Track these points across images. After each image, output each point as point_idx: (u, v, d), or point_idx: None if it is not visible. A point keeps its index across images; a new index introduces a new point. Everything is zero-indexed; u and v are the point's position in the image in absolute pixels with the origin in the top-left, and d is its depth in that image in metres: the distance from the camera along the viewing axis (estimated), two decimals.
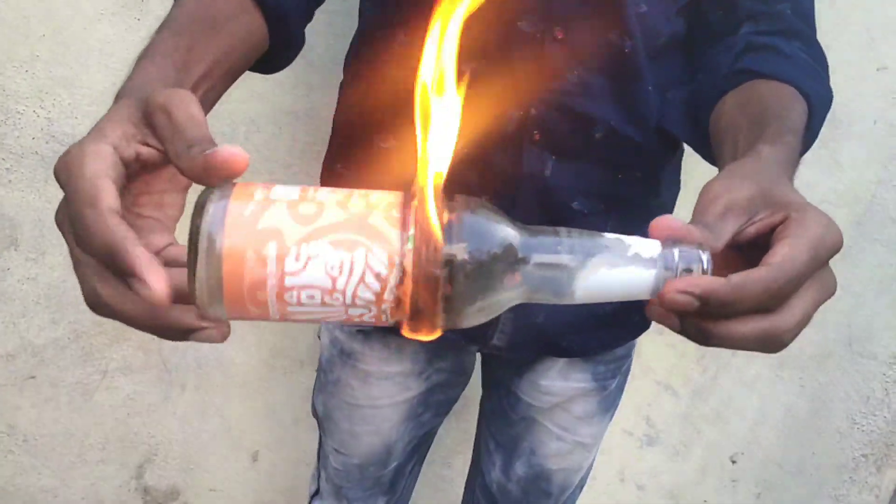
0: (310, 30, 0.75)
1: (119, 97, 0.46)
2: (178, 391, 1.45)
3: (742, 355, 1.54)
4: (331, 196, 0.40)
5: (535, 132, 0.75)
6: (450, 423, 1.50)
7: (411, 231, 0.38)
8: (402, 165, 0.74)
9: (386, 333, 0.91)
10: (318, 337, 0.99)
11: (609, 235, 0.43)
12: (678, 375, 1.56)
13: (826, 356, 1.55)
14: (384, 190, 0.41)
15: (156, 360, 1.42)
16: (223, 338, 0.42)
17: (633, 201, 0.81)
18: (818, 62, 0.71)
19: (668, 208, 0.89)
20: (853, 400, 1.59)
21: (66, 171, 0.40)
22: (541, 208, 0.79)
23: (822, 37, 1.18)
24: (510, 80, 0.74)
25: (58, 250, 1.28)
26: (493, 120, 0.75)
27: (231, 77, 0.60)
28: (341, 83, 0.88)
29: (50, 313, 1.34)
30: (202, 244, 0.38)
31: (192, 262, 0.38)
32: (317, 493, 1.08)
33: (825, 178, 1.40)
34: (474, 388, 1.09)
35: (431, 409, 1.00)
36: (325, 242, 0.38)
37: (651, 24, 0.74)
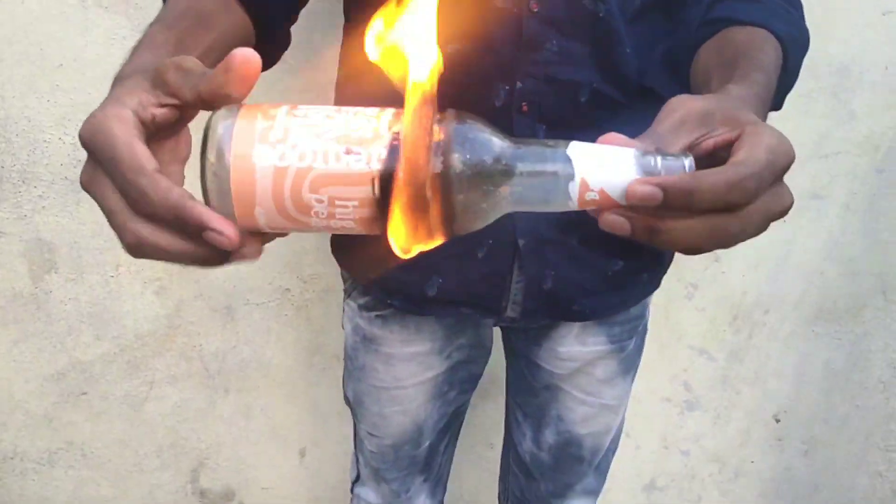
0: (314, 27, 0.77)
1: (117, 80, 0.49)
2: (222, 395, 1.50)
3: (775, 314, 1.54)
4: (327, 109, 0.44)
5: (523, 103, 0.77)
6: (486, 404, 1.53)
7: (404, 127, 0.41)
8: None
9: (403, 316, 0.93)
10: (342, 326, 1.02)
11: (594, 145, 0.45)
12: (712, 339, 1.57)
13: (860, 307, 1.54)
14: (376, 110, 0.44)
15: (198, 367, 1.47)
16: (258, 255, 0.45)
17: None
18: (791, 4, 0.72)
19: None
20: (893, 349, 1.57)
21: (94, 136, 0.43)
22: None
23: None
24: (493, 56, 0.76)
25: (95, 269, 1.34)
26: (481, 95, 0.77)
27: None
28: (336, 82, 0.91)
29: (94, 330, 1.40)
30: (210, 157, 0.42)
31: (204, 184, 0.42)
32: (357, 478, 1.11)
33: (840, 128, 1.39)
34: (504, 367, 1.12)
35: (456, 386, 1.02)
36: (326, 140, 0.41)
37: None
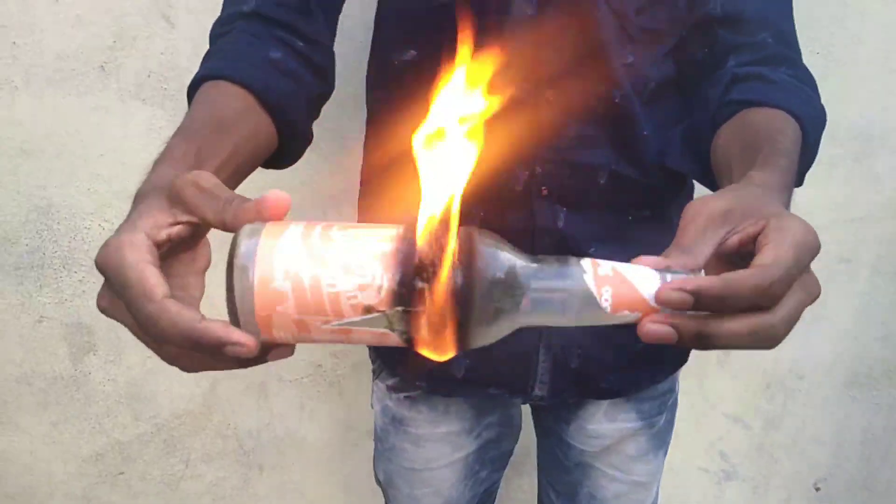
0: (342, 113, 0.80)
1: (138, 195, 0.52)
2: (256, 473, 1.51)
3: (809, 380, 1.52)
4: (344, 229, 0.45)
5: (543, 188, 0.80)
6: (521, 479, 1.52)
7: (422, 251, 0.42)
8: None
9: (431, 396, 0.95)
10: (371, 406, 1.03)
11: (609, 262, 0.47)
12: (746, 406, 1.55)
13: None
14: (394, 224, 0.46)
15: (233, 445, 1.48)
16: (291, 352, 0.47)
17: (647, 241, 0.84)
18: (806, 83, 0.73)
19: None
20: None
21: (107, 262, 0.45)
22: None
23: (839, 55, 1.21)
24: (512, 143, 0.79)
25: (133, 350, 1.37)
26: (501, 182, 0.80)
27: (240, 173, 0.65)
28: (362, 166, 0.94)
29: (131, 410, 1.42)
30: (237, 275, 0.43)
31: (230, 293, 0.43)
32: None
33: (865, 192, 1.40)
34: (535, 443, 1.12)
35: (487, 465, 1.02)
36: (339, 268, 0.43)
37: (639, 72, 0.78)
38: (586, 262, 0.46)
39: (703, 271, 0.46)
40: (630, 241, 0.83)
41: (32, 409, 1.39)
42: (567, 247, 0.82)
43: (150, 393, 1.42)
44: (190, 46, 1.21)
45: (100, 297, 0.48)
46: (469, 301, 0.43)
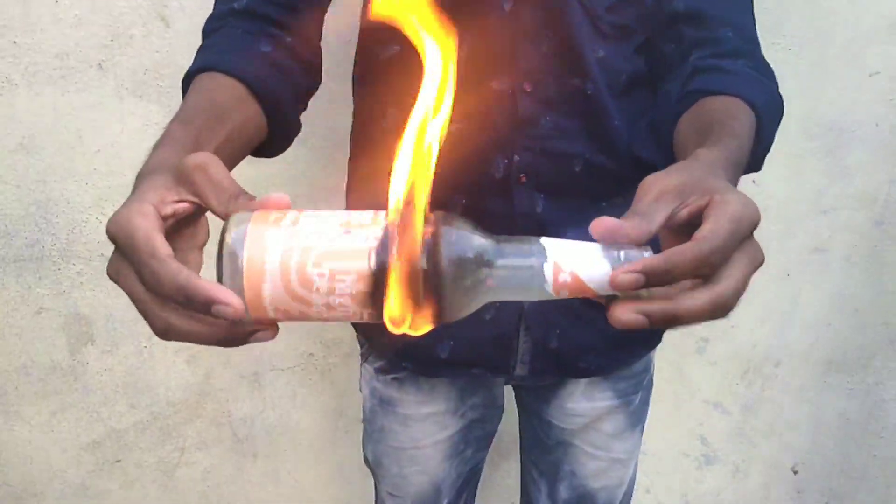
0: (333, 107, 0.84)
1: (140, 176, 0.55)
2: (250, 460, 1.55)
3: (785, 367, 1.57)
4: (324, 217, 0.49)
5: (521, 175, 0.84)
6: (509, 463, 1.57)
7: (394, 235, 0.46)
8: None
9: (417, 378, 0.99)
10: (360, 390, 1.08)
11: (565, 242, 0.51)
12: (725, 393, 1.60)
13: (870, 357, 1.57)
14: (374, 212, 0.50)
15: (227, 433, 1.53)
16: (273, 335, 0.51)
17: None
18: (764, 74, 0.77)
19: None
20: None
21: (118, 229, 0.49)
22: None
23: (810, 52, 1.24)
24: (491, 132, 0.83)
25: (129, 341, 1.41)
26: (481, 170, 0.84)
27: (235, 159, 0.69)
28: (348, 159, 0.99)
29: (128, 399, 1.46)
30: (226, 259, 0.47)
31: (219, 275, 0.47)
32: None
33: (837, 184, 1.45)
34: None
35: (472, 444, 1.07)
36: (320, 254, 0.47)
37: (610, 66, 0.83)
38: (548, 266, 0.50)
39: (650, 251, 0.50)
40: None
41: (31, 399, 1.43)
42: (545, 232, 0.86)
43: (146, 382, 1.46)
44: (185, 45, 1.25)
45: (109, 264, 0.51)
46: (439, 280, 0.47)
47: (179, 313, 0.49)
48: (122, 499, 1.54)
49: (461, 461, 1.07)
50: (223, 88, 0.71)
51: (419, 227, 0.46)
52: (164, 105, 1.28)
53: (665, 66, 0.84)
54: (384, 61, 0.86)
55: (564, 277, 0.50)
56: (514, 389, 1.11)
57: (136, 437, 1.50)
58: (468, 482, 1.11)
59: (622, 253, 0.50)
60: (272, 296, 0.48)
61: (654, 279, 0.48)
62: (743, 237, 0.50)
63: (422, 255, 0.46)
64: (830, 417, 1.62)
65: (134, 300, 0.50)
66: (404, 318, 0.48)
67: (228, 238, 0.48)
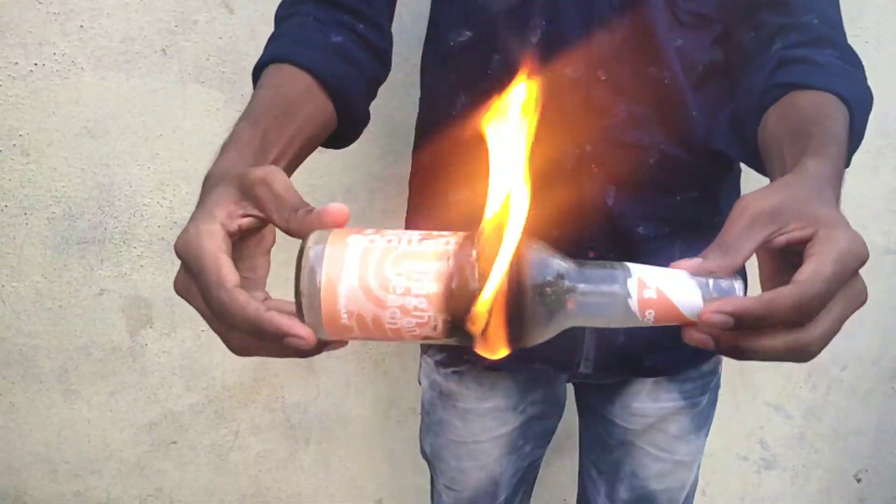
0: (391, 97, 0.83)
1: (208, 179, 0.55)
2: (302, 446, 1.56)
3: (852, 371, 1.52)
4: (407, 235, 0.48)
5: (593, 165, 0.82)
6: (562, 459, 1.55)
7: (476, 259, 0.45)
8: (474, 214, 0.82)
9: (479, 372, 0.97)
10: (419, 381, 1.06)
11: (655, 269, 0.49)
12: (788, 396, 1.55)
13: None
14: (452, 231, 0.49)
15: (281, 418, 1.53)
16: (345, 344, 0.50)
17: (694, 221, 0.86)
18: (852, 65, 0.73)
19: None
20: None
21: (187, 249, 0.49)
22: (608, 236, 0.84)
23: (888, 46, 1.19)
24: (563, 122, 0.81)
25: (187, 324, 1.42)
26: (552, 160, 0.82)
27: (303, 154, 0.69)
28: (413, 147, 0.97)
29: (185, 381, 1.47)
30: (305, 281, 0.46)
31: (298, 296, 0.46)
32: None
33: None
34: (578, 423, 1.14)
35: (531, 441, 1.05)
36: (404, 270, 0.46)
37: (688, 55, 0.80)
38: (632, 282, 0.48)
39: (741, 283, 0.48)
40: (677, 220, 0.85)
41: (91, 379, 1.45)
42: (615, 225, 0.84)
43: (203, 366, 1.47)
44: (247, 31, 1.25)
45: (176, 280, 0.51)
46: (521, 309, 0.46)
47: (250, 336, 0.49)
48: (176, 479, 1.56)
49: (519, 457, 1.05)
50: (293, 81, 0.70)
51: (507, 250, 0.44)
52: (225, 91, 1.29)
53: (744, 55, 0.80)
54: (455, 47, 0.85)
55: (650, 294, 0.47)
56: (575, 388, 1.09)
57: (192, 420, 1.51)
58: (525, 478, 1.10)
59: (710, 280, 0.48)
60: (348, 302, 0.47)
61: (745, 323, 0.45)
62: (847, 280, 0.47)
63: (504, 288, 0.45)
64: None
65: (205, 319, 0.50)
66: (485, 348, 0.46)
67: (307, 256, 0.47)
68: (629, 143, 0.81)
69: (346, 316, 0.47)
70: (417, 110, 0.98)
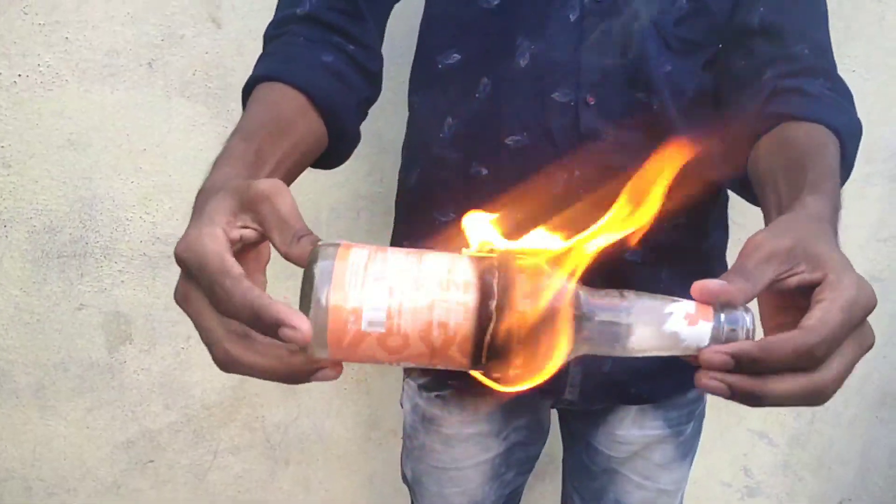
0: (380, 116, 0.82)
1: (201, 193, 0.53)
2: (282, 467, 1.54)
3: (837, 399, 1.51)
4: (423, 254, 0.47)
5: (580, 190, 0.81)
6: (544, 485, 1.53)
7: (494, 288, 0.45)
8: (462, 237, 0.81)
9: (462, 397, 0.96)
10: (401, 405, 1.05)
11: (665, 299, 0.49)
12: (773, 423, 1.55)
13: None
14: (461, 255, 0.48)
15: (260, 438, 1.51)
16: (338, 375, 0.49)
17: (682, 247, 0.86)
18: (842, 96, 0.74)
19: (719, 252, 0.92)
20: None
21: (188, 251, 0.47)
22: (596, 262, 0.83)
23: (875, 74, 1.20)
24: (552, 146, 0.80)
25: (167, 342, 1.40)
26: (539, 184, 0.81)
27: (295, 171, 0.67)
28: (400, 167, 0.96)
29: (163, 399, 1.45)
30: (313, 298, 0.45)
31: (305, 306, 0.45)
32: None
33: None
34: (561, 448, 1.13)
35: (513, 468, 1.03)
36: (413, 298, 0.45)
37: (677, 81, 0.79)
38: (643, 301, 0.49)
39: (752, 316, 0.48)
40: (665, 246, 0.84)
41: (68, 395, 1.42)
42: (603, 250, 0.83)
43: (182, 384, 1.44)
44: (234, 47, 1.24)
45: (176, 290, 0.49)
46: (544, 338, 0.46)
47: (244, 345, 0.47)
48: (153, 499, 1.53)
49: (501, 484, 1.04)
50: (285, 100, 0.69)
51: (528, 279, 0.45)
52: (211, 107, 1.27)
53: (735, 82, 0.80)
54: (444, 70, 0.84)
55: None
56: (559, 414, 1.08)
57: (170, 438, 1.49)
58: None
59: (723, 314, 0.48)
60: (355, 326, 0.45)
61: (744, 366, 0.46)
62: (854, 326, 0.47)
63: (522, 307, 0.45)
64: (882, 453, 1.56)
65: (200, 328, 0.48)
66: (502, 382, 0.46)
67: (314, 273, 0.45)
68: (617, 168, 0.81)
69: (352, 337, 0.46)
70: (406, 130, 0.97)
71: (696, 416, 0.99)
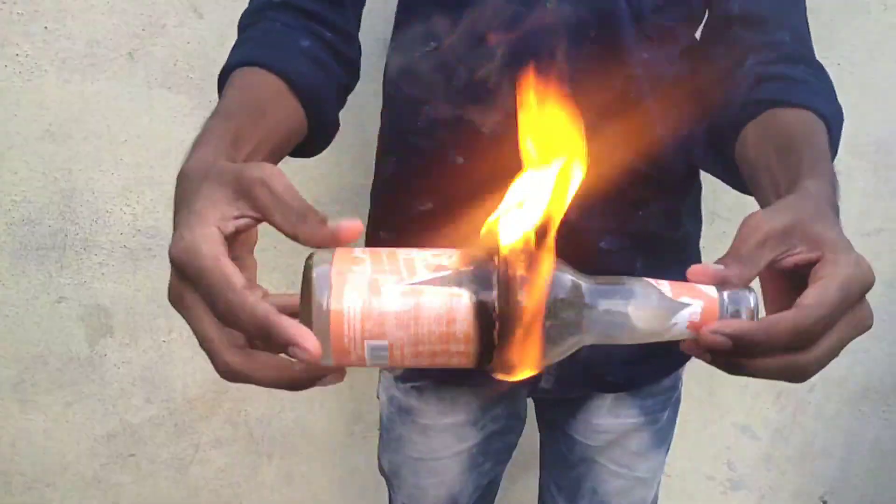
0: (362, 107, 0.82)
1: (185, 176, 0.51)
2: (265, 461, 1.53)
3: (819, 392, 1.52)
4: (418, 255, 0.47)
5: None
6: (528, 477, 1.53)
7: (494, 282, 0.44)
8: (442, 225, 0.81)
9: (439, 388, 0.96)
10: (378, 396, 1.05)
11: (663, 282, 0.48)
12: (756, 416, 1.55)
13: None
14: (454, 249, 0.47)
15: (244, 432, 1.50)
16: (341, 380, 0.48)
17: (656, 235, 0.85)
18: (823, 82, 0.73)
19: (693, 240, 0.92)
20: None
21: (185, 256, 0.45)
22: (571, 250, 0.83)
23: (859, 68, 1.20)
24: None
25: (148, 334, 1.40)
26: (514, 171, 0.81)
27: (276, 154, 0.65)
28: (375, 155, 0.96)
29: (144, 393, 1.44)
30: (314, 305, 0.44)
31: (306, 318, 0.44)
32: None
33: (882, 205, 1.40)
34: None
35: (491, 457, 1.03)
36: (417, 296, 0.44)
37: (654, 69, 0.79)
38: (647, 285, 0.48)
39: (755, 296, 0.48)
40: (640, 234, 0.85)
41: (47, 389, 1.41)
42: (577, 239, 0.82)
43: (164, 377, 1.44)
44: (216, 37, 1.23)
45: (170, 291, 0.48)
46: (548, 329, 0.45)
47: (246, 356, 0.46)
48: (134, 493, 1.52)
49: (479, 474, 1.03)
50: (263, 84, 0.68)
51: (532, 272, 0.44)
52: (193, 97, 1.27)
53: (715, 70, 0.80)
54: (420, 58, 0.84)
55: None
56: (536, 403, 1.08)
57: (152, 432, 1.48)
58: (485, 496, 1.08)
59: (726, 294, 0.47)
60: (356, 328, 0.44)
61: (745, 346, 0.45)
62: (851, 305, 0.47)
63: (522, 296, 0.44)
64: (863, 446, 1.56)
65: (199, 336, 0.47)
66: (504, 372, 0.46)
67: (314, 278, 0.45)
68: (593, 157, 0.80)
69: (356, 343, 0.45)
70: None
71: (671, 403, 0.99)
